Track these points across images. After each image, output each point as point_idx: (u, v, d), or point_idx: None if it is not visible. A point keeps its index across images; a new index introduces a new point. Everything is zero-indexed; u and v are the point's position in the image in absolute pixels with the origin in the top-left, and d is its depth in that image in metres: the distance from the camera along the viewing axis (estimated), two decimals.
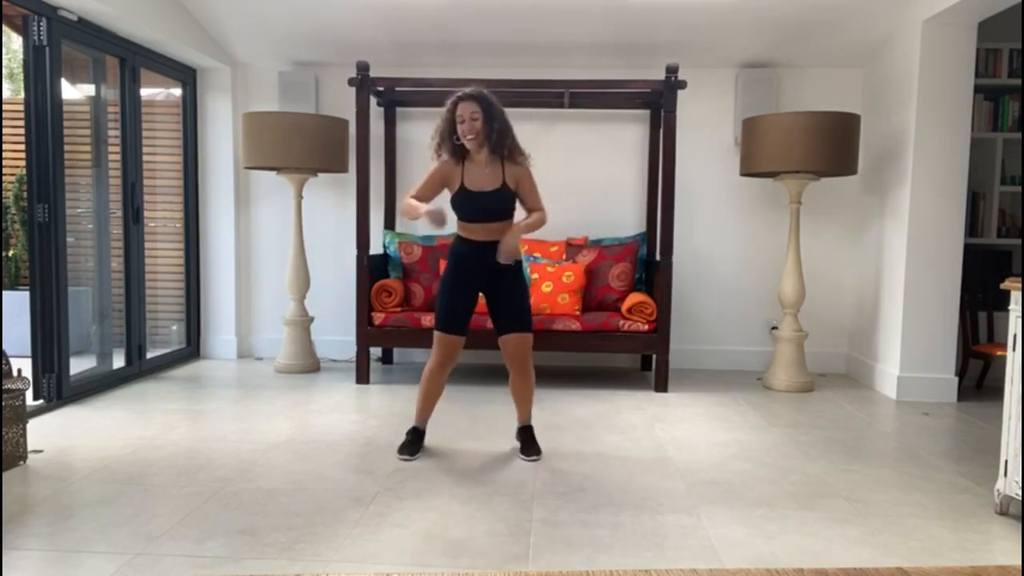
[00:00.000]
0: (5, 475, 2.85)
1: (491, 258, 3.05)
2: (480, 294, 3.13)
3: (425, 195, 3.06)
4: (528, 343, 3.12)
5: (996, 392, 4.37)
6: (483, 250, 3.05)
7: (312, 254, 5.16)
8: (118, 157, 4.50)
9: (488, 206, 3.03)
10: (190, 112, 5.15)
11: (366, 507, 2.60)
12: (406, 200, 3.04)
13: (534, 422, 3.33)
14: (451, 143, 3.02)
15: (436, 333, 3.10)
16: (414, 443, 3.19)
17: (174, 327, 5.29)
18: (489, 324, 3.29)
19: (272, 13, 4.61)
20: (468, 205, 3.03)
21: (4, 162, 5.32)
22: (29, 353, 3.90)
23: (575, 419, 3.81)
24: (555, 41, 4.82)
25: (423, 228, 5.09)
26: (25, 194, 4.10)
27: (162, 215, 5.19)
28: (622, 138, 5.14)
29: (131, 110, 4.53)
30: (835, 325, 5.17)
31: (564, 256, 4.80)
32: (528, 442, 3.19)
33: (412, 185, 3.17)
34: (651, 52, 4.87)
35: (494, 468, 3.04)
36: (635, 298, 4.50)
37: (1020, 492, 2.51)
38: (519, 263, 3.12)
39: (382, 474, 2.94)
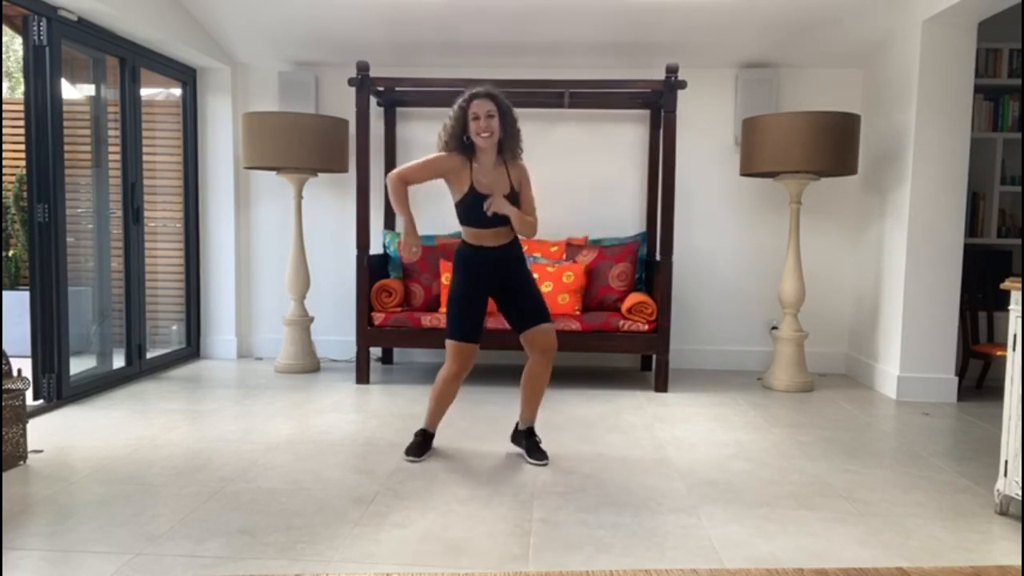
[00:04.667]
0: (5, 475, 2.85)
1: (502, 263, 3.03)
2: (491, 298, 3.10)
3: (419, 178, 2.97)
4: (554, 332, 3.10)
5: (996, 392, 4.36)
6: (494, 256, 3.02)
7: (312, 254, 5.15)
8: (118, 157, 4.50)
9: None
10: (190, 112, 5.14)
11: (366, 507, 2.60)
12: (398, 180, 2.93)
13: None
14: (461, 142, 2.95)
15: (450, 342, 3.02)
16: (422, 445, 3.17)
17: (174, 327, 5.29)
18: (489, 325, 3.27)
19: (272, 13, 4.61)
20: (481, 210, 2.94)
21: (4, 162, 5.32)
22: (29, 353, 3.90)
23: (575, 419, 3.81)
24: (555, 41, 4.81)
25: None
26: (25, 194, 4.09)
27: (162, 215, 5.19)
28: (622, 138, 5.14)
29: (131, 110, 4.53)
30: (835, 325, 5.17)
31: (564, 256, 4.79)
32: (535, 446, 3.15)
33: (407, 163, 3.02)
34: (651, 52, 4.86)
35: (494, 468, 3.04)
36: (635, 298, 4.50)
37: (1020, 492, 2.51)
38: (523, 259, 3.10)
39: (382, 474, 2.94)
